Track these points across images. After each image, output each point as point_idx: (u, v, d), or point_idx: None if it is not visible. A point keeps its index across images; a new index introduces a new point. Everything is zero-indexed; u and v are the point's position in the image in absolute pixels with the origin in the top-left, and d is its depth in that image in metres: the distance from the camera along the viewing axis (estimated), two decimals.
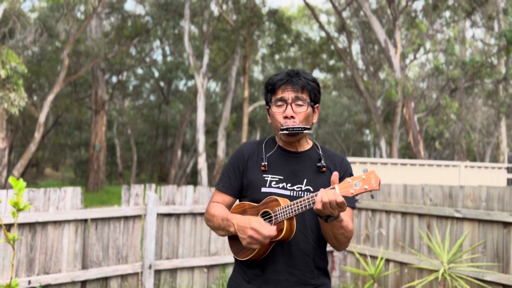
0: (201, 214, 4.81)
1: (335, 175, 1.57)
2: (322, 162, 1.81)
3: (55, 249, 3.99)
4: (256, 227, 1.61)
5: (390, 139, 19.90)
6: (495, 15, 16.15)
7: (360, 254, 5.16)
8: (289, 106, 1.77)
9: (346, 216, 1.71)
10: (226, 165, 1.91)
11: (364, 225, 5.25)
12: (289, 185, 1.78)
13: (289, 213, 1.64)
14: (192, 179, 25.82)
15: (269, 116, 1.87)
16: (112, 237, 4.29)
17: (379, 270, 4.39)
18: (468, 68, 13.13)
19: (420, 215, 4.69)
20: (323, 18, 25.61)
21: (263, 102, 23.51)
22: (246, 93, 18.36)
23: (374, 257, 5.03)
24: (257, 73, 28.51)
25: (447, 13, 15.33)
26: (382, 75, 21.85)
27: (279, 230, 1.66)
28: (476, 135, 17.94)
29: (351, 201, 1.78)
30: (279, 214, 1.66)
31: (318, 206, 1.54)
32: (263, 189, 1.77)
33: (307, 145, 1.88)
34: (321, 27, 17.17)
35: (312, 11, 16.80)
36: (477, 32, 27.87)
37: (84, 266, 4.14)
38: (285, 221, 1.65)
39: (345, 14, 20.48)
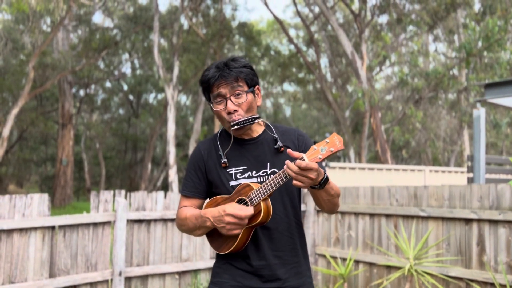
0: (172, 220, 4.78)
1: (290, 152, 1.57)
2: (278, 143, 1.81)
3: (21, 258, 3.88)
4: (231, 211, 1.62)
5: (358, 149, 20.31)
6: (456, 29, 16.90)
7: (331, 257, 5.23)
8: (229, 101, 1.74)
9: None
10: (186, 169, 1.88)
11: (334, 228, 5.35)
12: (254, 172, 1.78)
13: (263, 193, 1.64)
14: (165, 192, 25.46)
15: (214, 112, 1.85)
16: (81, 244, 4.21)
17: (349, 270, 4.47)
18: (431, 78, 13.64)
19: (387, 216, 4.81)
20: (291, 32, 26.07)
21: None
22: None
23: (344, 259, 5.12)
24: None
25: (410, 27, 15.94)
26: (350, 88, 22.38)
27: (257, 213, 1.66)
28: (441, 143, 18.54)
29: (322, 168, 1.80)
30: (253, 197, 1.66)
31: (295, 182, 1.54)
32: (232, 183, 1.78)
33: (260, 128, 1.87)
34: (290, 40, 17.50)
35: (281, 24, 17.12)
36: (439, 46, 29.02)
37: (51, 275, 4.03)
38: (261, 203, 1.66)
39: (313, 28, 20.94)
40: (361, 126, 21.12)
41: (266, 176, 1.78)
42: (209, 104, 1.83)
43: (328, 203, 1.74)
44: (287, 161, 1.56)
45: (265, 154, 1.81)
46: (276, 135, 1.84)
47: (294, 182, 1.55)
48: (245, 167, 1.79)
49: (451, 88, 13.76)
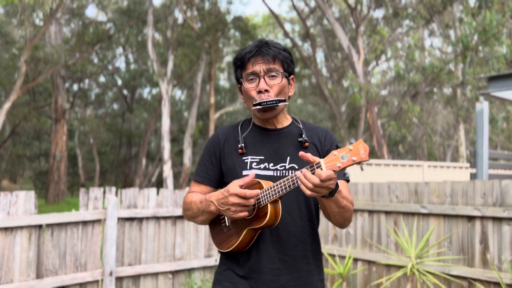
0: (165, 217, 4.63)
1: (304, 154, 1.42)
2: (303, 136, 1.68)
3: (6, 258, 3.71)
4: (236, 191, 1.49)
5: None
6: (452, 24, 16.77)
7: (329, 254, 5.11)
8: (262, 80, 1.63)
9: (343, 188, 1.61)
10: (202, 153, 1.78)
11: (332, 225, 5.21)
12: (271, 164, 1.65)
13: (272, 195, 1.49)
14: (158, 188, 25.31)
15: (241, 95, 1.73)
16: (69, 243, 4.05)
17: (348, 268, 4.34)
18: (428, 73, 13.52)
19: (387, 213, 4.68)
20: (287, 27, 25.85)
21: (229, 109, 23.39)
22: (212, 100, 18.23)
23: (342, 257, 4.99)
24: (223, 81, 28.45)
25: (407, 21, 15.80)
26: (345, 83, 22.24)
27: (263, 215, 1.52)
28: (437, 138, 18.47)
29: (340, 175, 1.64)
30: (261, 197, 1.52)
31: (308, 192, 1.39)
32: (245, 172, 1.65)
33: (286, 121, 1.75)
34: (286, 34, 17.33)
35: (277, 18, 16.93)
36: (435, 42, 28.96)
37: (38, 275, 3.87)
38: (268, 205, 1.51)
39: (309, 22, 20.76)
40: (357, 121, 21.03)
41: (284, 171, 1.64)
42: (238, 83, 1.72)
43: (338, 217, 1.59)
44: (304, 170, 1.39)
45: (286, 147, 1.68)
46: (302, 129, 1.72)
47: (309, 192, 1.39)
48: (263, 157, 1.66)
49: (448, 82, 13.65)
